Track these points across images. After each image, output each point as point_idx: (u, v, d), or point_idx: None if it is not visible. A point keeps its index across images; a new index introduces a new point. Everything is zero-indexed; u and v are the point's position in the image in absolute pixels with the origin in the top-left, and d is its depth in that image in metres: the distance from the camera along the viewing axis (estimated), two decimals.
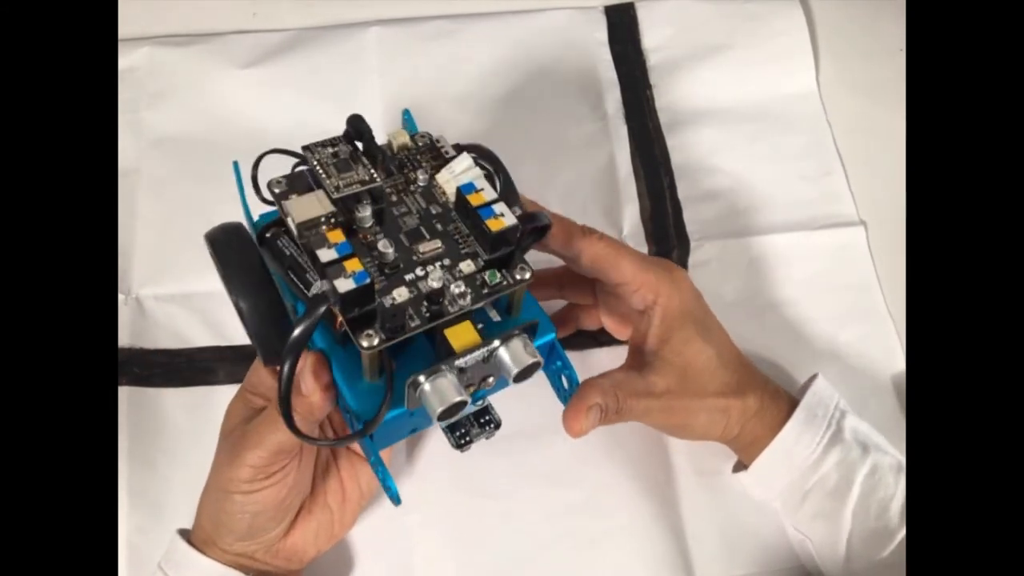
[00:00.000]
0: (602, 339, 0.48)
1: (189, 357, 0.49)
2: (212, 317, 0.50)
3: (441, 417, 0.30)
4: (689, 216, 0.54)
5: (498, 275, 0.31)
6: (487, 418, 0.36)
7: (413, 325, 0.30)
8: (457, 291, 0.30)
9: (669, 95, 0.59)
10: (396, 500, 0.35)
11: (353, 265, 0.28)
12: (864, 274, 0.52)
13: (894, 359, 0.50)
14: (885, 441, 0.42)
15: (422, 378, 0.30)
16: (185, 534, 0.39)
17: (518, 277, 0.31)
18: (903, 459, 0.41)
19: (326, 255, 0.29)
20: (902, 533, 0.39)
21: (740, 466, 0.44)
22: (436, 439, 0.47)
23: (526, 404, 0.46)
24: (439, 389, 0.29)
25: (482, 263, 0.32)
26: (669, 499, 0.45)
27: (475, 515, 0.45)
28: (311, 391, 0.32)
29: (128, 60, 0.57)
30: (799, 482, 0.41)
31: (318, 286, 0.29)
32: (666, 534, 0.44)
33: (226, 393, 0.40)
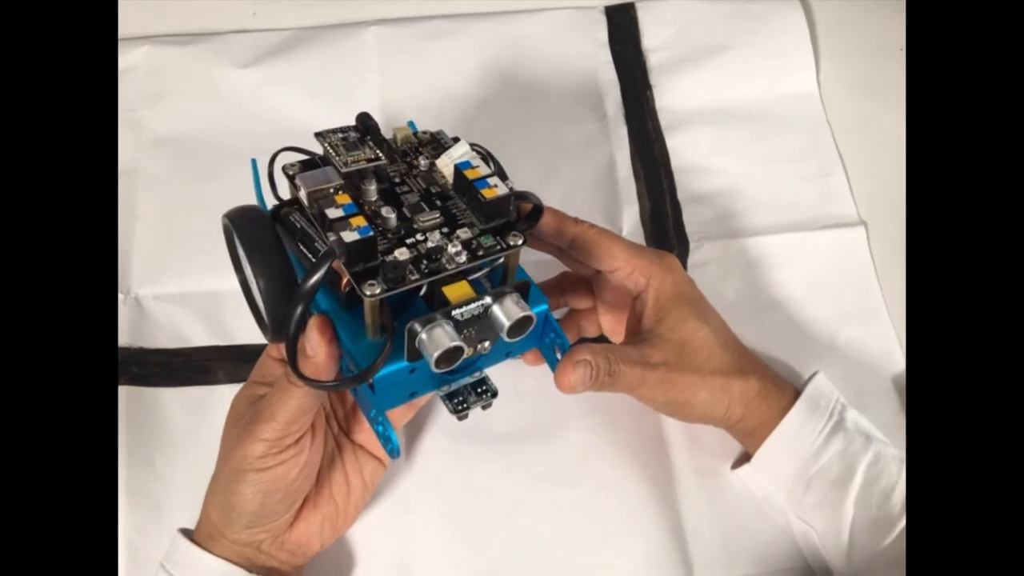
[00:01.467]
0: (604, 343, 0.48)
1: (188, 357, 0.49)
2: (211, 317, 0.50)
3: (438, 363, 0.32)
4: (689, 217, 0.54)
5: (492, 239, 0.34)
6: (484, 387, 0.38)
7: (413, 278, 0.32)
8: (454, 250, 0.33)
9: (669, 95, 0.58)
10: (395, 453, 0.35)
11: (358, 221, 0.31)
12: (864, 274, 0.52)
13: (894, 359, 0.50)
14: (885, 438, 0.42)
15: (418, 326, 0.32)
16: (187, 533, 0.39)
17: (511, 242, 0.34)
18: (903, 453, 0.41)
19: (334, 213, 0.32)
20: (903, 522, 0.39)
21: (739, 462, 0.44)
22: (434, 438, 0.47)
23: (525, 404, 0.46)
24: (435, 336, 0.32)
25: (478, 231, 0.34)
26: (669, 499, 0.45)
27: (475, 515, 0.45)
28: (316, 349, 0.33)
29: (128, 60, 0.57)
30: (802, 471, 0.41)
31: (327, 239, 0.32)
32: (666, 534, 0.44)
33: (225, 393, 0.40)
